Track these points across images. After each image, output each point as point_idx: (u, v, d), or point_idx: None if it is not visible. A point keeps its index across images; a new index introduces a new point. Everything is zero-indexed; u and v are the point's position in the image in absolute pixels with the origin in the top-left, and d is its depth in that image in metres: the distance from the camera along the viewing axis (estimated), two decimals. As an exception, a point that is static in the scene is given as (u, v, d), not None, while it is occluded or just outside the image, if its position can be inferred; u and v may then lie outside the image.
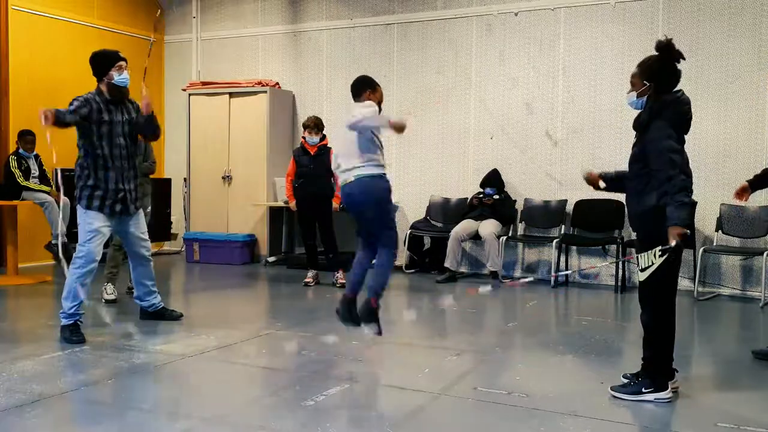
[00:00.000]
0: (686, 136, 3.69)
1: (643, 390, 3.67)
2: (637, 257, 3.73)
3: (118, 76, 4.94)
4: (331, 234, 7.30)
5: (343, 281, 7.19)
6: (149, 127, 5.20)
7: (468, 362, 4.54)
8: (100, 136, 4.89)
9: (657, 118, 3.62)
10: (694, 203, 3.80)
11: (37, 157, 7.87)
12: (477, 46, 8.35)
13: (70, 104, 4.82)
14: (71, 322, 4.82)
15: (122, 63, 4.97)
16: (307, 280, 7.36)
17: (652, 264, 3.61)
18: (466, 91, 8.40)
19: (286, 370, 4.35)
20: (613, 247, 7.45)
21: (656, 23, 7.42)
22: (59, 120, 4.66)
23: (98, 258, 4.94)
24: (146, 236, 5.32)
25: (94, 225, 4.90)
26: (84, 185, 4.93)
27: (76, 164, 5.00)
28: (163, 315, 5.48)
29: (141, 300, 5.47)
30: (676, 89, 3.68)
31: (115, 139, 4.94)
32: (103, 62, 4.96)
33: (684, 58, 3.67)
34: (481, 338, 5.37)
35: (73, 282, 4.84)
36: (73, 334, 4.78)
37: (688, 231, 3.51)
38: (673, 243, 3.45)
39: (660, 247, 3.52)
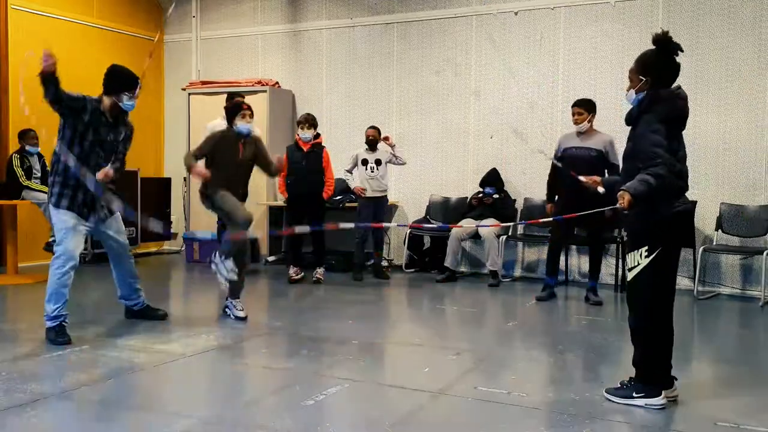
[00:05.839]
0: (684, 133, 3.62)
1: (634, 394, 3.58)
2: (626, 257, 3.67)
3: (127, 101, 4.89)
4: (320, 232, 7.32)
5: (321, 277, 7.43)
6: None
7: (468, 362, 4.54)
8: (81, 139, 4.80)
9: (647, 112, 3.52)
10: (693, 203, 3.77)
11: (40, 157, 7.88)
12: (477, 45, 8.35)
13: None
14: (56, 324, 4.74)
15: (135, 91, 4.91)
16: (291, 275, 7.52)
17: (638, 264, 3.53)
18: (466, 91, 8.40)
19: (286, 370, 4.35)
20: (613, 246, 7.46)
21: (656, 21, 7.42)
22: (54, 80, 4.59)
23: (77, 256, 4.83)
24: (123, 235, 5.21)
25: (68, 223, 4.81)
26: (54, 181, 4.84)
27: (52, 157, 4.89)
28: (147, 314, 5.43)
29: (126, 299, 5.42)
30: (675, 85, 3.57)
31: (91, 147, 4.84)
32: (119, 81, 4.89)
33: (682, 50, 3.56)
34: (481, 338, 5.37)
35: (55, 283, 4.74)
36: (58, 336, 4.70)
37: (625, 204, 3.40)
38: (618, 205, 3.42)
39: (608, 208, 3.45)
